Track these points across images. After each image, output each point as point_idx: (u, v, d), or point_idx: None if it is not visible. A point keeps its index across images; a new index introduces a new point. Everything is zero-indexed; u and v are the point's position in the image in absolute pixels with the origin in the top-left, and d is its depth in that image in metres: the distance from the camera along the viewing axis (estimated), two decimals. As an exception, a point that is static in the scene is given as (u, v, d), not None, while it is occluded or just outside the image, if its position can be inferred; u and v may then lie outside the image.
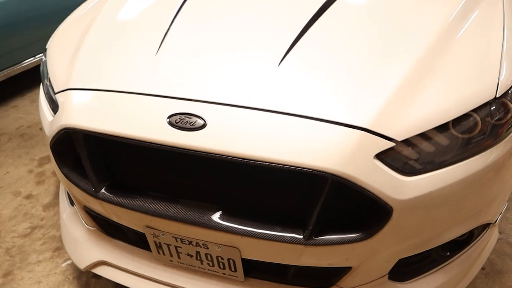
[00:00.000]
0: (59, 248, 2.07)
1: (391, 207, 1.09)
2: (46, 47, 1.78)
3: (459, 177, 1.14)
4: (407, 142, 1.11)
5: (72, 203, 1.78)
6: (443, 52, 1.29)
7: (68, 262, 1.99)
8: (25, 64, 3.61)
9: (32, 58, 3.65)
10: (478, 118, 1.16)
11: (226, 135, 1.13)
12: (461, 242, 1.42)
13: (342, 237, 1.15)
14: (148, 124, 1.20)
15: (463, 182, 1.14)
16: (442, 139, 1.14)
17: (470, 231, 1.38)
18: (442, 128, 1.14)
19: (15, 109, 3.53)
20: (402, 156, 1.11)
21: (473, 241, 1.43)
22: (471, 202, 1.22)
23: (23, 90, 3.84)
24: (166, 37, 1.47)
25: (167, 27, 1.52)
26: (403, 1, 1.50)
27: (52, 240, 2.13)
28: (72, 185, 1.42)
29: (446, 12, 1.43)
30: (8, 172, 2.70)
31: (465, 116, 1.15)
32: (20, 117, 3.39)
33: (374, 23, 1.39)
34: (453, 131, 1.15)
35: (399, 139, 1.10)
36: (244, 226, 1.21)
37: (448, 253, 1.41)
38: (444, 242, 1.29)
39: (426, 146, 1.13)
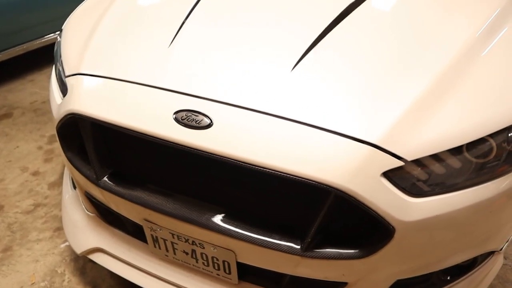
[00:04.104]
0: (60, 229, 2.07)
1: (393, 227, 1.05)
2: (62, 27, 1.76)
3: (468, 203, 1.09)
4: (417, 162, 1.07)
5: (74, 187, 1.78)
6: (465, 70, 1.23)
7: (67, 243, 1.99)
8: (45, 40, 3.60)
9: (53, 34, 3.65)
10: (494, 144, 1.11)
11: (231, 137, 1.10)
12: (463, 267, 1.37)
13: (340, 252, 1.12)
14: (154, 118, 1.18)
15: (472, 209, 1.10)
16: (454, 162, 1.10)
17: (474, 257, 1.33)
18: (456, 150, 1.09)
19: (31, 83, 3.53)
20: (410, 176, 1.07)
21: (476, 267, 1.38)
22: (478, 229, 1.18)
23: (42, 65, 3.84)
24: (181, 29, 1.44)
25: (183, 20, 1.49)
26: (429, 12, 1.43)
27: (53, 219, 2.13)
28: (75, 169, 1.41)
29: (473, 27, 1.36)
30: (18, 147, 2.71)
31: (481, 140, 1.10)
32: (36, 92, 3.40)
33: (396, 33, 1.33)
34: (467, 154, 1.10)
35: (409, 158, 1.05)
36: (242, 230, 1.18)
37: (448, 277, 1.36)
38: (446, 267, 1.25)
39: (437, 167, 1.09)
